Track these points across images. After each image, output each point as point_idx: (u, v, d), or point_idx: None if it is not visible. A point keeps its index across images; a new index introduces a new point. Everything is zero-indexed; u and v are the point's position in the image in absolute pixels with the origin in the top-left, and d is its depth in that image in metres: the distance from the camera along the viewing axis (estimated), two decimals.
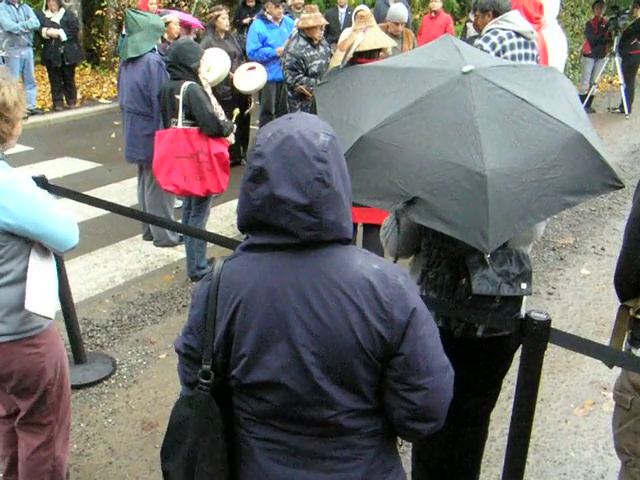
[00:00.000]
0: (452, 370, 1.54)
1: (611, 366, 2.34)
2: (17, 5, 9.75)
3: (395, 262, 2.23)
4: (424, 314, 1.47)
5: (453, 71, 2.12)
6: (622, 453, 2.27)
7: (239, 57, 7.17)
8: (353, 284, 1.40)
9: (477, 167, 1.91)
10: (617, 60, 10.76)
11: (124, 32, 5.50)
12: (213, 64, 5.59)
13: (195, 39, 6.67)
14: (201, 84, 4.60)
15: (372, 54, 3.89)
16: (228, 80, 6.56)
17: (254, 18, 7.90)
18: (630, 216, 2.15)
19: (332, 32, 8.87)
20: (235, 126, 4.87)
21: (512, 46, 4.38)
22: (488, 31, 4.46)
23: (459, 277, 2.20)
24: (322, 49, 6.44)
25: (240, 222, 1.48)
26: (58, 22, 10.16)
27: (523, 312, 2.25)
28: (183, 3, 12.72)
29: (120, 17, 11.67)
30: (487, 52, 4.24)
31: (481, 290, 2.08)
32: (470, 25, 7.97)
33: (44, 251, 2.37)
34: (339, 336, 1.40)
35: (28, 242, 2.31)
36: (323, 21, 6.47)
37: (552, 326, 2.03)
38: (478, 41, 4.47)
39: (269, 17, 7.62)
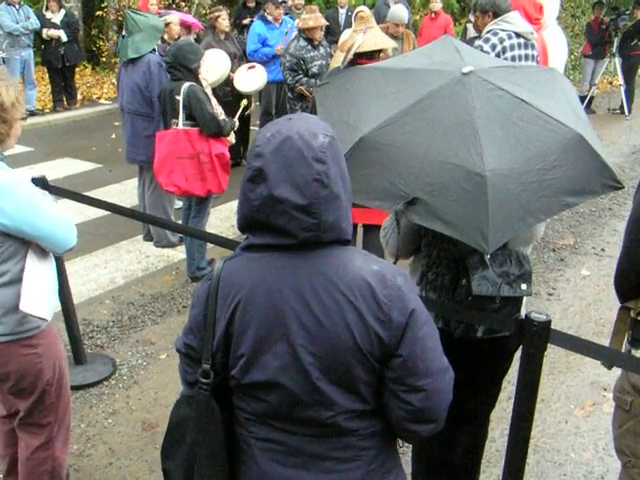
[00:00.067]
0: (452, 372, 1.53)
1: (610, 367, 2.35)
2: (17, 6, 9.75)
3: (395, 263, 2.23)
4: (423, 315, 1.46)
5: (453, 72, 2.12)
6: (622, 454, 2.27)
7: (239, 58, 7.17)
8: (352, 285, 1.40)
9: (477, 168, 1.91)
10: (617, 61, 10.76)
11: (124, 33, 5.50)
12: (213, 65, 5.59)
13: (195, 40, 6.67)
14: (201, 85, 4.60)
15: (372, 55, 3.89)
16: (228, 81, 6.57)
17: (254, 19, 7.91)
18: (630, 217, 2.15)
19: (332, 33, 8.87)
20: (237, 123, 4.88)
21: (512, 47, 4.39)
22: (488, 32, 4.46)
23: (459, 278, 2.20)
24: (322, 50, 6.44)
25: (240, 222, 1.49)
26: (58, 23, 10.17)
27: (523, 313, 2.25)
28: (183, 4, 12.73)
29: (120, 18, 11.67)
30: (487, 53, 4.25)
31: (481, 291, 2.08)
32: (470, 26, 7.96)
33: (42, 252, 2.37)
34: (337, 337, 1.40)
35: (25, 243, 2.31)
36: (323, 22, 6.48)
37: (552, 327, 2.03)
38: (478, 42, 4.48)
39: (269, 18, 7.62)
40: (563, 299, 4.88)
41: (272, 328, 1.42)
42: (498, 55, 4.32)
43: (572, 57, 12.22)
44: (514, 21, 4.44)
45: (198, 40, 7.13)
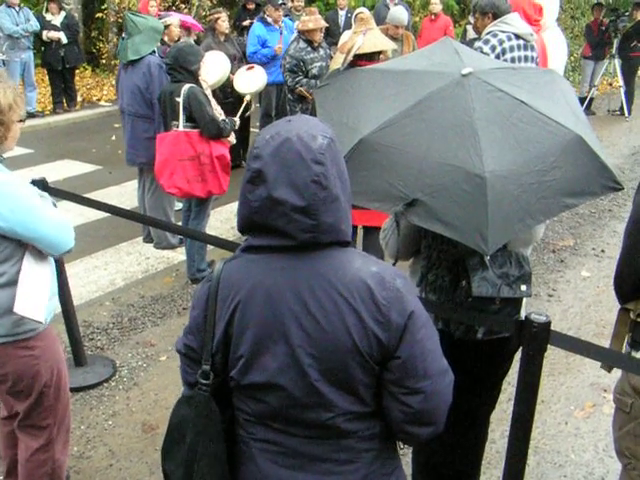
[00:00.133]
0: (451, 374, 1.53)
1: (610, 370, 2.35)
2: (17, 8, 9.77)
3: (394, 264, 2.23)
4: (422, 317, 1.46)
5: (452, 73, 2.13)
6: (622, 456, 2.27)
7: (239, 60, 7.18)
8: (350, 286, 1.40)
9: (476, 169, 1.91)
10: (617, 62, 10.77)
11: (124, 35, 5.51)
12: (213, 66, 5.59)
13: (195, 42, 6.68)
14: (201, 87, 4.61)
15: (372, 57, 3.90)
16: (228, 82, 6.57)
17: (254, 21, 7.91)
18: (630, 218, 2.15)
19: (332, 35, 8.89)
20: (238, 122, 4.88)
21: (512, 48, 4.40)
22: (488, 33, 4.47)
23: (459, 279, 2.20)
24: (322, 51, 6.45)
25: (240, 224, 1.49)
26: (59, 25, 10.18)
27: (523, 314, 2.25)
28: (183, 6, 12.74)
29: (120, 20, 11.67)
30: (487, 54, 4.26)
31: (481, 292, 2.08)
32: (470, 27, 7.97)
33: (39, 254, 2.36)
34: (336, 338, 1.40)
35: (22, 245, 2.30)
36: (323, 24, 6.48)
37: (552, 328, 2.03)
38: (478, 43, 4.49)
39: (269, 20, 7.64)
40: (563, 300, 4.88)
41: (271, 329, 1.42)
42: (498, 57, 4.33)
43: (572, 58, 12.23)
44: (514, 23, 4.44)
45: (198, 42, 7.14)
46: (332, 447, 1.48)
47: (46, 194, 2.49)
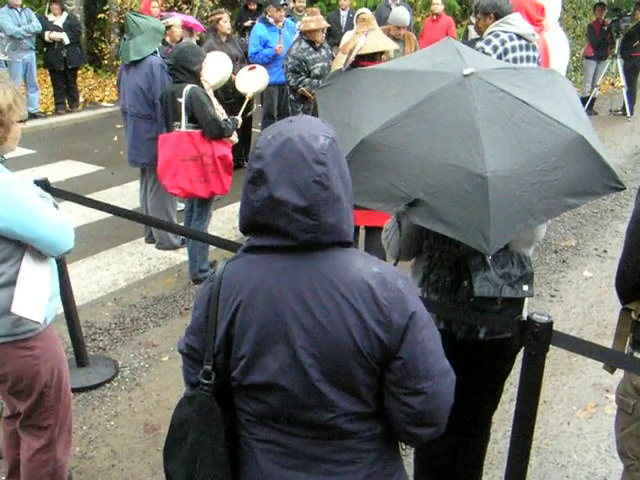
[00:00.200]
0: (453, 375, 1.53)
1: (612, 372, 2.34)
2: (19, 9, 9.78)
3: (395, 264, 2.23)
4: (424, 318, 1.46)
5: (454, 74, 2.12)
6: (625, 457, 2.27)
7: (241, 60, 7.19)
8: (352, 287, 1.40)
9: (478, 169, 1.91)
10: (619, 62, 10.76)
11: (126, 36, 5.51)
12: (215, 67, 5.60)
13: (197, 42, 6.68)
14: (203, 87, 4.61)
15: (374, 57, 3.90)
16: (230, 83, 6.58)
17: (256, 21, 7.92)
18: (632, 218, 2.15)
19: (334, 35, 8.89)
20: (240, 120, 4.89)
21: (514, 48, 4.39)
22: (490, 34, 4.46)
23: (461, 279, 2.19)
24: (324, 52, 6.46)
25: (241, 224, 1.49)
26: (61, 26, 10.18)
27: (525, 314, 2.24)
28: (185, 6, 12.74)
29: (122, 20, 11.68)
30: (489, 55, 4.25)
31: (483, 292, 2.07)
32: (471, 28, 7.97)
33: (39, 255, 2.36)
34: (337, 339, 1.40)
35: (21, 245, 2.30)
36: (325, 24, 6.49)
37: (554, 328, 2.03)
38: (480, 44, 4.48)
39: (270, 20, 7.64)
40: (565, 300, 4.88)
41: (272, 330, 1.42)
42: (500, 57, 4.32)
43: (574, 58, 12.22)
44: (516, 23, 4.44)
45: (200, 43, 7.14)
46: (333, 448, 1.48)
47: (48, 194, 2.49)
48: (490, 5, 4.48)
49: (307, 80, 6.29)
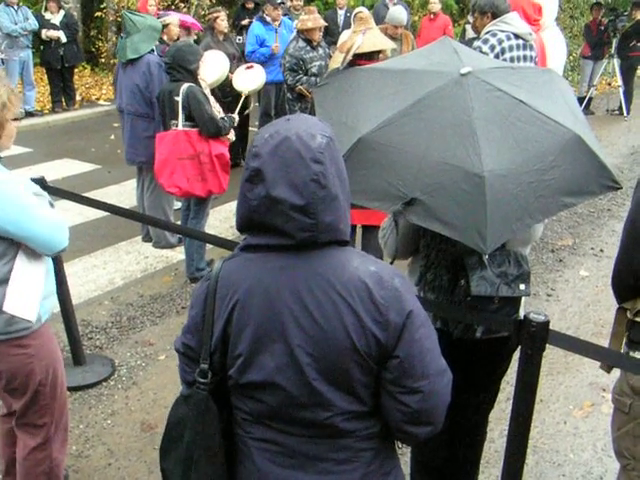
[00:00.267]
0: (450, 374, 1.53)
1: (609, 371, 2.35)
2: (16, 7, 9.76)
3: (392, 263, 2.23)
4: (421, 317, 1.46)
5: (451, 73, 2.13)
6: (621, 457, 2.27)
7: (238, 59, 7.18)
8: (349, 286, 1.40)
9: (475, 168, 1.91)
10: (616, 62, 10.78)
11: (123, 34, 5.50)
12: (212, 65, 5.59)
13: (195, 41, 6.68)
14: (200, 86, 4.61)
15: (371, 56, 3.90)
16: (227, 81, 6.57)
17: (253, 20, 7.91)
18: (628, 217, 2.16)
19: (331, 34, 8.89)
20: (237, 118, 4.88)
21: (511, 48, 4.39)
22: (487, 33, 4.46)
23: (458, 278, 2.20)
24: (321, 51, 6.46)
25: (238, 222, 1.49)
26: (58, 24, 10.16)
27: (522, 313, 2.25)
28: (182, 5, 12.72)
29: (119, 19, 11.65)
30: (486, 54, 4.25)
31: (480, 291, 2.08)
32: (469, 27, 7.96)
33: (33, 253, 2.35)
34: (334, 337, 1.39)
35: (14, 243, 2.29)
36: (322, 23, 6.49)
37: (551, 327, 2.03)
38: (477, 43, 4.48)
39: (268, 19, 7.64)
40: (562, 300, 4.89)
41: (269, 328, 1.42)
42: (497, 56, 4.33)
43: (571, 58, 12.24)
44: (513, 22, 4.44)
45: (198, 41, 7.13)
46: (330, 446, 1.48)
47: (44, 193, 2.48)
48: (487, 4, 4.48)
49: (304, 79, 6.29)
